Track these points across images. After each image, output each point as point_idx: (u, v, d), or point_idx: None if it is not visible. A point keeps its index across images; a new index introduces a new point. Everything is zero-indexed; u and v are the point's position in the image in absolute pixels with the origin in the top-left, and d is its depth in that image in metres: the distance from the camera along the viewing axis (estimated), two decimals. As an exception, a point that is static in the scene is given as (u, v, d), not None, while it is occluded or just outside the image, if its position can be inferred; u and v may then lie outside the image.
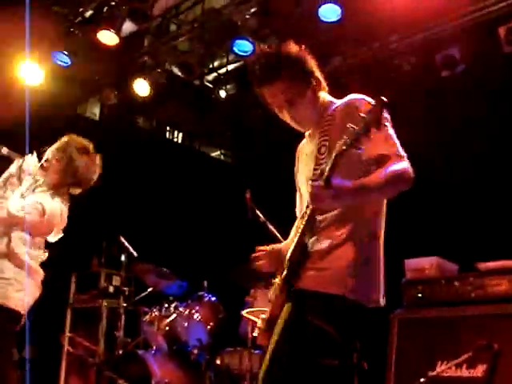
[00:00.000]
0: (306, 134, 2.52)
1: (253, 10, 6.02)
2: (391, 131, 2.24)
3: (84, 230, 6.20)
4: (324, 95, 2.45)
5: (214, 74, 7.74)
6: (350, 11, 5.51)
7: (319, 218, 2.23)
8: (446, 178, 6.03)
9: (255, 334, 4.34)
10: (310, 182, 2.08)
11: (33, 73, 6.33)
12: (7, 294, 3.43)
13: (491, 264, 4.17)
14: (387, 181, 2.10)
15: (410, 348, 4.18)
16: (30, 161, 3.65)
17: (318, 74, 2.41)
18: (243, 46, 6.06)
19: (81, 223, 6.18)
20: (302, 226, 2.24)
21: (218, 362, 5.15)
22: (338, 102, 2.37)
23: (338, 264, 2.16)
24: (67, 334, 6.13)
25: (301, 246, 2.22)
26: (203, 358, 5.10)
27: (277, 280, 2.31)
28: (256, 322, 4.34)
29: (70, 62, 6.40)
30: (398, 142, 2.22)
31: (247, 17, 6.01)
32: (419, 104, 6.24)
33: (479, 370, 3.78)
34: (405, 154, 2.20)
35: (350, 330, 2.15)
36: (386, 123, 2.21)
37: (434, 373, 3.93)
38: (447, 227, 5.85)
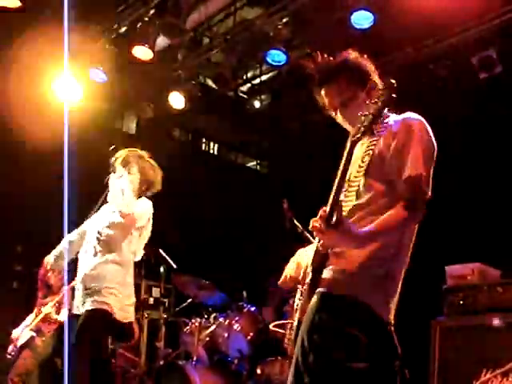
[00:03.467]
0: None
1: (285, 20, 6.03)
2: (426, 149, 2.23)
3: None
4: None
5: (248, 85, 7.79)
6: (383, 17, 5.48)
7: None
8: (487, 183, 5.92)
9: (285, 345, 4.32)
10: (312, 222, 2.17)
11: (71, 89, 6.47)
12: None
13: (535, 269, 4.09)
14: (396, 226, 2.16)
15: (452, 356, 4.11)
16: None
17: (375, 78, 2.44)
18: (276, 56, 6.08)
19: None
20: None
21: (259, 372, 5.12)
22: (395, 116, 2.37)
23: (351, 266, 2.20)
24: (109, 345, 6.19)
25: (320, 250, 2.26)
26: (243, 369, 5.10)
27: (304, 287, 2.33)
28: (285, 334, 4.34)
29: (106, 78, 6.53)
30: (427, 166, 2.20)
31: (279, 27, 6.02)
32: (456, 108, 6.15)
33: (526, 379, 3.70)
34: (428, 185, 2.19)
35: (370, 333, 2.15)
36: (425, 137, 2.24)
37: (479, 382, 3.85)
38: (489, 233, 5.73)
